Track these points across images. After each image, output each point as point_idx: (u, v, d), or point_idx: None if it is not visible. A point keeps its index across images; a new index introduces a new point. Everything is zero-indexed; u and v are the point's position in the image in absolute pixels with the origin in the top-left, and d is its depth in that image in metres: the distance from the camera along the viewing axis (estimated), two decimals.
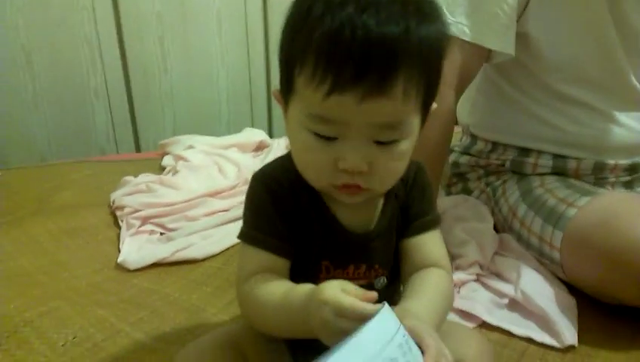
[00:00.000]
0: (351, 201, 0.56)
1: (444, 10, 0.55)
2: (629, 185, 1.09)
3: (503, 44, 0.96)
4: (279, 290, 0.54)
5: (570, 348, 0.78)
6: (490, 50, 0.98)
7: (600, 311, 0.86)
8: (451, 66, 0.94)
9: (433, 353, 0.43)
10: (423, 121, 0.55)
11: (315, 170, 0.54)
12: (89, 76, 1.84)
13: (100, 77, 1.86)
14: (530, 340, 0.80)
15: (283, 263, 0.59)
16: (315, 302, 0.47)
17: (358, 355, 0.40)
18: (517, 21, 0.98)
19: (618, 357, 0.77)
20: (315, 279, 0.55)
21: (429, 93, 0.53)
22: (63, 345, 0.81)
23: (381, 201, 0.61)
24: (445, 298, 0.59)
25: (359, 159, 0.50)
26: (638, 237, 0.79)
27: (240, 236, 0.60)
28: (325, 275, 0.59)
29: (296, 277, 0.58)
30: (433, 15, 0.51)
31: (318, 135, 0.51)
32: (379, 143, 0.51)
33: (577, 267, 0.89)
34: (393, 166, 0.54)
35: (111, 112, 1.91)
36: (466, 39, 0.95)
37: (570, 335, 0.79)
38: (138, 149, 1.97)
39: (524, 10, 0.98)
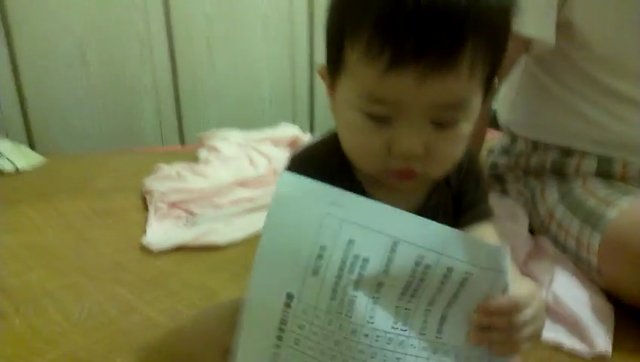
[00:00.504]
0: (400, 186, 0.51)
1: None
2: None
3: (542, 32, 0.91)
4: None
5: (602, 357, 0.72)
6: (529, 40, 0.93)
7: (638, 321, 0.79)
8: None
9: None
10: (485, 99, 0.50)
11: (365, 154, 0.49)
12: (139, 73, 1.90)
13: (150, 74, 1.92)
14: (556, 347, 0.74)
15: None
16: None
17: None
18: (560, 9, 0.93)
19: None
20: None
21: (494, 68, 0.48)
22: (78, 317, 0.82)
23: (427, 188, 0.56)
24: None
25: (416, 142, 0.45)
26: None
27: None
28: None
29: None
30: None
31: (369, 116, 0.46)
32: (437, 124, 0.46)
33: (615, 272, 0.82)
34: (451, 149, 0.49)
35: (158, 108, 1.97)
36: None
37: (603, 342, 0.73)
38: (183, 143, 2.02)
39: None
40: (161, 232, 1.07)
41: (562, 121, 1.03)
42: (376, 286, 0.42)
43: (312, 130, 2.14)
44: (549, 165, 1.05)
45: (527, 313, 0.42)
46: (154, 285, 0.92)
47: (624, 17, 0.91)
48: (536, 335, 0.43)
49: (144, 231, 1.09)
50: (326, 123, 2.10)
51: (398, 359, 0.43)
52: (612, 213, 0.84)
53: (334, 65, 0.49)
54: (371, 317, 0.42)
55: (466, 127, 0.48)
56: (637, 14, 0.90)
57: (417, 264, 0.42)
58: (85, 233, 1.09)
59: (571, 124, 1.01)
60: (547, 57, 0.99)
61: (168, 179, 1.25)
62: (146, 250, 1.03)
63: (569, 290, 0.83)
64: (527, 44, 0.95)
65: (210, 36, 1.95)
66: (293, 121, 2.09)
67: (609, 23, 0.92)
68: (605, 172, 0.99)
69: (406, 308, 0.43)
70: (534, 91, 1.07)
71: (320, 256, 0.41)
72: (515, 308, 0.41)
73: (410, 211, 0.56)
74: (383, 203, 0.45)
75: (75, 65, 1.80)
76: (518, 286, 0.42)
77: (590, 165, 1.00)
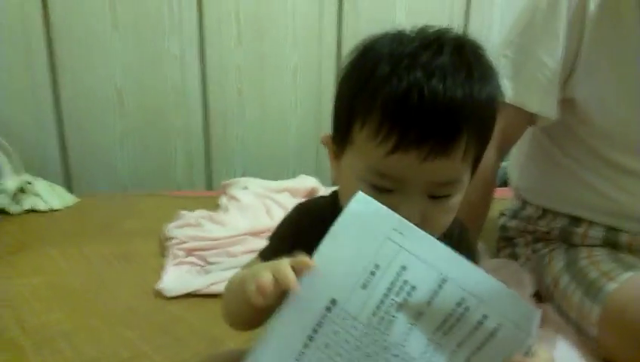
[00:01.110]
0: None
1: None
2: None
3: (544, 107, 0.94)
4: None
5: None
6: (533, 113, 0.97)
7: None
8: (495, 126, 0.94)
9: None
10: (472, 174, 0.56)
11: None
12: (173, 118, 2.00)
13: (183, 120, 2.01)
14: None
15: None
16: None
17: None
18: (563, 86, 0.96)
19: None
20: None
21: (482, 149, 0.54)
22: (90, 360, 0.87)
23: None
24: None
25: (414, 213, 0.51)
26: None
27: (258, 255, 0.61)
28: None
29: None
30: (492, 76, 0.52)
31: (373, 186, 0.51)
32: (432, 197, 0.52)
33: (614, 346, 0.82)
34: (443, 219, 0.54)
35: (189, 153, 2.06)
36: (508, 101, 0.95)
37: None
38: (210, 188, 2.09)
39: (571, 75, 0.95)
40: (175, 278, 1.12)
41: (569, 189, 1.04)
42: (417, 314, 0.46)
43: (333, 182, 2.18)
44: (556, 232, 1.06)
45: None
46: (163, 331, 0.96)
47: (625, 94, 0.94)
48: None
49: (160, 277, 1.14)
50: None
51: None
52: (611, 287, 0.84)
53: (341, 138, 0.55)
54: (405, 341, 0.46)
55: (457, 199, 0.54)
56: (637, 91, 0.93)
57: (458, 304, 0.46)
58: (105, 276, 1.15)
59: (578, 194, 1.03)
60: (553, 129, 1.02)
61: (188, 227, 1.31)
62: (159, 295, 1.07)
63: (569, 360, 0.83)
64: (532, 118, 0.98)
65: (241, 87, 2.04)
66: (316, 173, 2.15)
67: (610, 100, 0.95)
68: (612, 242, 0.99)
69: (437, 342, 0.46)
70: (542, 159, 1.10)
71: (373, 274, 0.45)
72: None
73: None
74: None
75: (113, 110, 1.91)
76: (539, 353, 0.46)
77: (597, 234, 1.01)
